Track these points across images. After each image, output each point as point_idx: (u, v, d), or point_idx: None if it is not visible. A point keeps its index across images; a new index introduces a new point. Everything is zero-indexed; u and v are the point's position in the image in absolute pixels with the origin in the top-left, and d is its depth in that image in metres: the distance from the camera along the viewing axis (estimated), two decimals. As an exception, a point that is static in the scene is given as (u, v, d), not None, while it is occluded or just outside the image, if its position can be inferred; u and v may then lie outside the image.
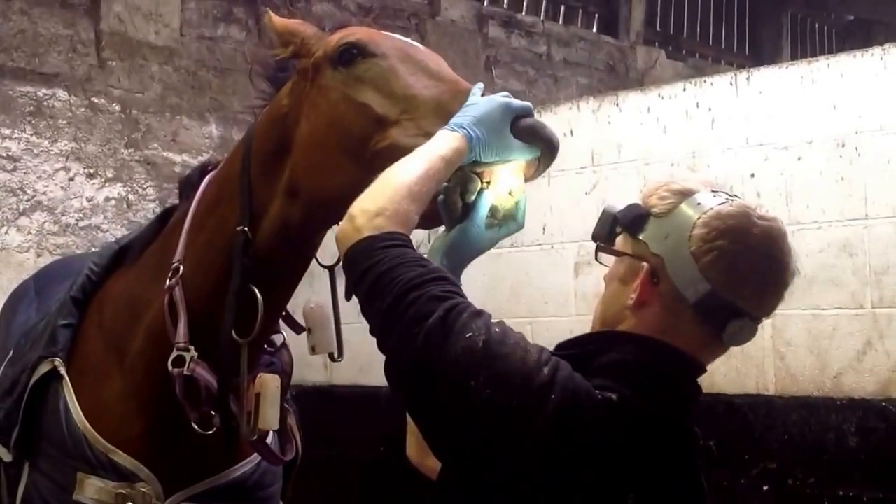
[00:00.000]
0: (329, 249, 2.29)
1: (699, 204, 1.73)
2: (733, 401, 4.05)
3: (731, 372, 4.11)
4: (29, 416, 2.44)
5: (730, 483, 3.99)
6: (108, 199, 5.53)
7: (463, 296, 1.65)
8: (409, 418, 1.90)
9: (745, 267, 1.70)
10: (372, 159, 1.99)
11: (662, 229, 1.73)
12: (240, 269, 2.22)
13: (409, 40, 2.22)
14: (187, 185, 2.52)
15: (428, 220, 1.89)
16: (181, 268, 2.31)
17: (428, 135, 1.90)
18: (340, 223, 1.77)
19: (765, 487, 3.91)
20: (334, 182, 2.10)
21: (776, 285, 1.75)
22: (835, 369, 3.86)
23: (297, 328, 2.51)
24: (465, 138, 1.82)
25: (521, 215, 1.94)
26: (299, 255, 2.31)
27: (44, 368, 2.45)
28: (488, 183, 1.91)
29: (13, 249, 5.16)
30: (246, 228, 2.23)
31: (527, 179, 1.95)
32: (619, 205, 1.83)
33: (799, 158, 3.99)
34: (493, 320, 1.62)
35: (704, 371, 1.77)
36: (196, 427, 2.26)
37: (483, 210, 1.88)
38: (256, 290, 2.20)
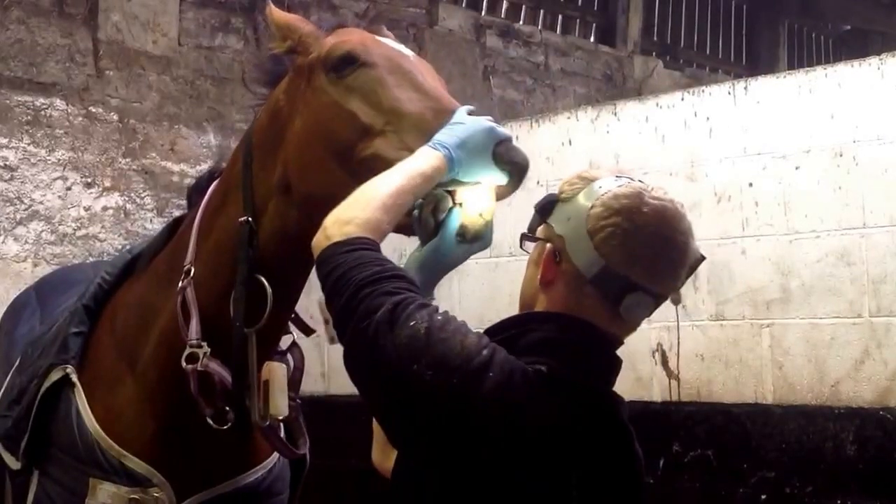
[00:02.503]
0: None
1: (600, 188, 1.83)
2: (731, 410, 4.05)
3: (728, 381, 4.11)
4: (39, 423, 2.45)
5: (728, 492, 3.99)
6: (105, 208, 5.52)
7: (417, 292, 1.74)
8: (374, 424, 2.00)
9: (635, 243, 1.78)
10: (357, 166, 2.05)
11: (566, 212, 1.84)
12: (245, 259, 2.26)
13: (401, 47, 2.25)
14: (195, 192, 2.56)
15: (402, 230, 1.98)
16: (192, 269, 2.35)
17: (409, 149, 1.96)
18: (316, 235, 1.84)
19: (763, 496, 3.91)
20: (322, 182, 2.14)
21: (668, 261, 1.82)
22: (832, 378, 3.87)
23: (306, 330, 2.54)
24: (445, 158, 1.90)
25: (490, 234, 2.02)
26: (300, 252, 2.30)
27: (55, 376, 2.46)
28: (460, 204, 1.98)
29: (10, 259, 5.15)
30: (249, 219, 2.27)
31: (498, 198, 2.02)
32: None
33: (797, 168, 4.00)
34: (439, 311, 1.71)
35: (621, 343, 1.87)
36: (211, 422, 2.28)
37: (453, 228, 1.96)
38: (263, 279, 2.24)
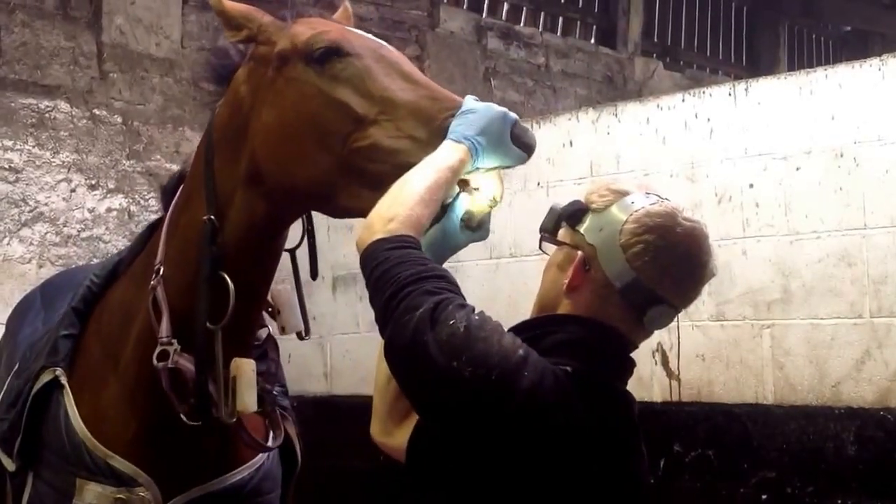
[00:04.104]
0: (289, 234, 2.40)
1: (632, 203, 1.94)
2: (732, 410, 4.06)
3: (729, 381, 4.12)
4: (31, 425, 2.47)
5: (729, 492, 4.00)
6: (109, 210, 5.55)
7: (457, 293, 1.81)
8: (375, 395, 2.17)
9: (666, 260, 1.90)
10: (349, 156, 2.06)
11: (598, 223, 1.94)
12: (208, 257, 2.26)
13: (378, 40, 2.25)
14: (166, 195, 2.57)
15: None
16: (162, 269, 2.36)
17: (409, 137, 2.00)
18: (359, 234, 1.88)
19: (763, 496, 3.92)
20: (305, 174, 2.15)
21: (693, 278, 1.95)
22: (833, 379, 3.87)
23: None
24: (469, 149, 1.93)
25: (489, 226, 2.06)
26: (268, 244, 2.34)
27: (45, 378, 2.48)
28: (470, 190, 2.01)
29: (15, 260, 5.18)
30: (212, 217, 2.27)
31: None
32: (564, 203, 2.03)
33: (797, 169, 4.01)
34: (475, 311, 1.78)
35: (636, 347, 1.99)
36: (185, 418, 2.29)
37: (458, 212, 2.00)
38: (226, 276, 2.24)
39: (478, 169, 1.97)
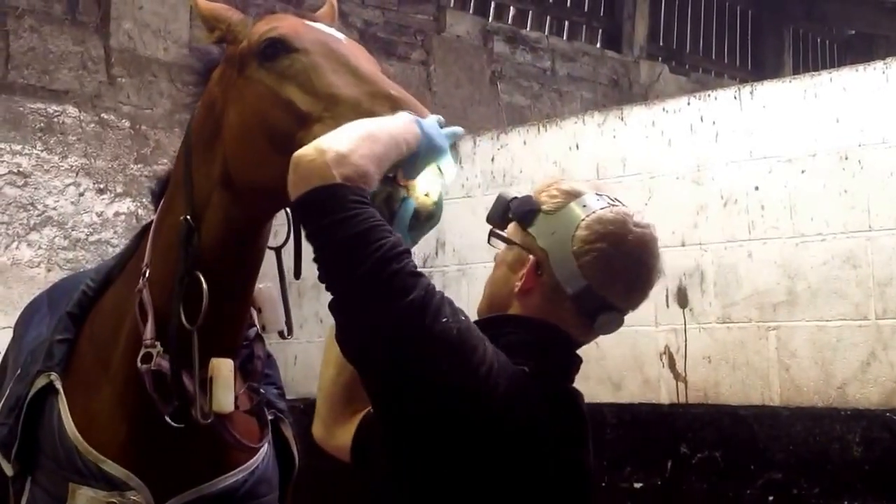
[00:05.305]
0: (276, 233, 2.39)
1: (584, 206, 1.92)
2: (738, 412, 4.06)
3: (735, 383, 4.13)
4: (28, 429, 2.47)
5: (735, 494, 4.00)
6: (117, 213, 5.57)
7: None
8: (318, 402, 2.17)
9: (618, 268, 1.89)
10: None
11: (550, 226, 1.92)
12: (184, 257, 2.26)
13: (333, 31, 2.23)
14: (156, 197, 2.56)
15: None
16: (147, 271, 2.37)
17: None
18: (306, 151, 1.76)
19: (770, 497, 3.93)
20: (263, 174, 2.13)
21: (643, 285, 1.95)
22: (839, 380, 3.88)
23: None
24: (418, 138, 1.88)
25: (440, 211, 2.00)
26: (249, 244, 2.33)
27: (41, 382, 2.48)
28: (416, 190, 1.95)
29: (24, 264, 5.21)
30: (188, 217, 2.27)
31: None
32: (512, 192, 2.02)
33: (802, 171, 4.02)
34: (452, 304, 1.76)
35: (581, 345, 1.99)
36: (169, 420, 2.28)
37: (408, 215, 1.93)
38: (201, 277, 2.23)
39: (413, 174, 1.92)
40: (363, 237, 1.68)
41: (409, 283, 1.69)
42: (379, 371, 1.75)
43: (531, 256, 1.91)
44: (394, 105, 1.97)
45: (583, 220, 1.89)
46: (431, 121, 1.94)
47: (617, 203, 1.95)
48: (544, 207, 1.94)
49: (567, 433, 1.88)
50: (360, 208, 1.69)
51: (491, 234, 2.01)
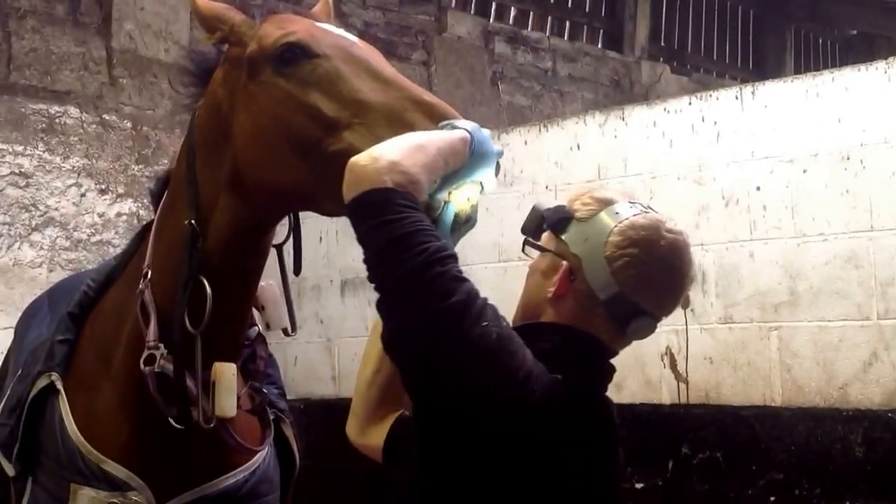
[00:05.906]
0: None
1: (617, 213, 1.93)
2: (740, 412, 4.07)
3: (737, 383, 4.13)
4: (29, 430, 2.47)
5: (736, 494, 4.01)
6: (119, 214, 5.58)
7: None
8: (354, 401, 2.20)
9: (650, 274, 1.90)
10: (325, 160, 2.01)
11: (583, 233, 1.93)
12: (188, 261, 2.25)
13: (347, 34, 2.21)
14: (155, 198, 2.55)
15: None
16: (149, 272, 2.36)
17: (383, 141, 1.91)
18: (360, 157, 1.80)
19: (772, 498, 3.93)
20: (282, 178, 2.13)
21: (676, 291, 1.97)
22: (841, 380, 3.88)
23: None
24: (468, 147, 1.90)
25: (476, 215, 2.02)
26: (254, 244, 2.32)
27: (42, 383, 2.48)
28: (451, 197, 1.97)
29: (26, 265, 5.21)
30: (193, 222, 2.26)
31: None
32: (547, 203, 2.03)
33: (804, 171, 4.02)
34: (495, 310, 1.78)
35: (616, 354, 1.99)
36: (173, 422, 2.28)
37: (449, 220, 1.96)
38: (205, 281, 2.22)
39: (459, 185, 1.94)
40: (409, 239, 1.72)
41: (451, 286, 1.72)
42: (418, 371, 1.78)
43: (564, 262, 1.93)
44: (427, 111, 1.98)
45: (615, 226, 1.91)
46: (484, 135, 1.95)
47: (650, 210, 1.96)
48: (577, 215, 1.95)
49: (598, 444, 1.90)
50: (409, 212, 1.74)
51: (525, 242, 2.03)
